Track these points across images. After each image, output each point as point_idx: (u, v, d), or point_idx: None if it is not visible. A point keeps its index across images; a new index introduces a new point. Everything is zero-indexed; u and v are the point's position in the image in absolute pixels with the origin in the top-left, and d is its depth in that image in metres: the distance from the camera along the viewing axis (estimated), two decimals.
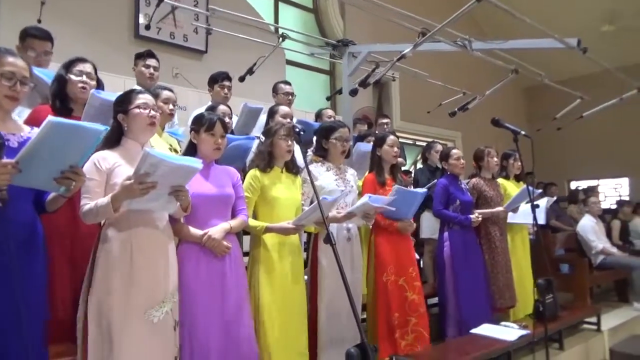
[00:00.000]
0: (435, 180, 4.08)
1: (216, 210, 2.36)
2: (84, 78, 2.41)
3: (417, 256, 4.08)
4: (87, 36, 4.63)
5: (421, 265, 4.61)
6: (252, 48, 4.52)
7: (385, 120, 4.92)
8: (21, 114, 2.37)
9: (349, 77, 4.04)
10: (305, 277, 2.91)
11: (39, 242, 1.83)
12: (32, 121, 2.15)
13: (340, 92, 4.53)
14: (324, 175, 2.99)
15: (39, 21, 3.51)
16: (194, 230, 2.27)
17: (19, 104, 1.81)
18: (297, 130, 2.30)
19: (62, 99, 2.40)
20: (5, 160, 1.55)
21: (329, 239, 1.90)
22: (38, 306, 1.80)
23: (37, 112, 2.34)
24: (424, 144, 4.90)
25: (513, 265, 3.89)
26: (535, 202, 3.10)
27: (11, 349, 1.68)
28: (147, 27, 4.15)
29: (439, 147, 4.65)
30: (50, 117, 1.58)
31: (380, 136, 3.40)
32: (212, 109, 3.22)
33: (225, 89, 3.79)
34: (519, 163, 4.13)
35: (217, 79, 3.81)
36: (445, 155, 3.82)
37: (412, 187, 4.00)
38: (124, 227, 1.98)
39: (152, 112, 2.10)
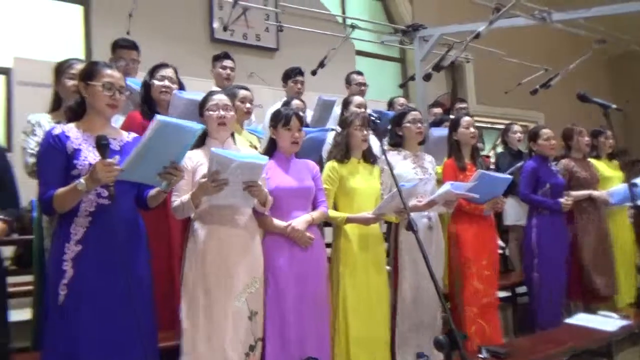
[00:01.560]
0: (519, 164, 3.88)
1: (297, 203, 2.43)
2: (166, 82, 2.58)
3: (502, 244, 3.93)
4: (168, 43, 4.90)
5: (506, 253, 4.43)
6: (322, 42, 4.55)
7: (462, 105, 4.75)
8: (117, 121, 2.58)
9: (421, 63, 3.95)
10: (388, 267, 2.91)
11: (142, 238, 1.99)
12: (127, 127, 2.34)
13: (412, 78, 4.44)
14: (401, 164, 2.96)
15: (128, 33, 3.78)
16: (278, 222, 2.36)
17: (118, 111, 1.98)
18: (373, 118, 2.29)
19: (149, 103, 2.57)
20: (109, 160, 1.69)
21: (410, 226, 1.89)
22: (145, 298, 1.95)
23: (131, 118, 2.53)
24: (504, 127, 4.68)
25: (616, 251, 3.62)
26: (634, 181, 2.87)
27: (129, 341, 1.84)
28: (225, 29, 4.31)
29: (517, 128, 4.42)
30: (158, 116, 1.72)
31: (454, 119, 3.30)
32: (286, 104, 3.30)
33: (299, 84, 3.87)
34: (611, 140, 3.83)
35: (290, 75, 3.89)
36: (533, 135, 3.58)
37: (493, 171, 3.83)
38: (208, 221, 2.14)
39: (222, 113, 2.21)
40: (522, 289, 3.76)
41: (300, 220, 2.37)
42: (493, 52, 5.04)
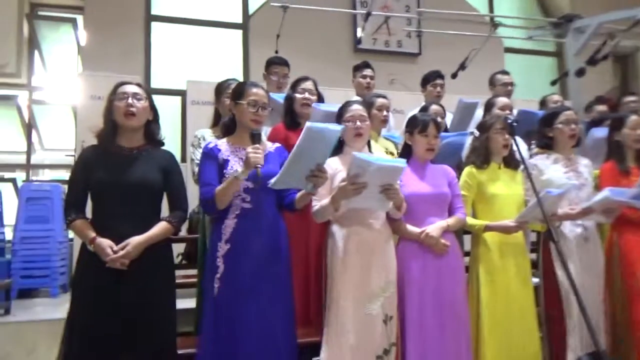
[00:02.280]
0: None
1: (433, 209, 2.40)
2: (306, 95, 2.76)
3: None
4: (313, 56, 5.23)
5: None
6: (468, 42, 4.38)
7: (631, 98, 4.12)
8: (265, 133, 2.84)
9: (576, 57, 3.54)
10: (535, 279, 2.69)
11: (282, 238, 2.15)
12: (272, 138, 2.57)
13: (567, 74, 4.01)
14: (551, 169, 2.70)
15: (276, 52, 4.13)
16: (412, 228, 2.35)
17: (261, 125, 2.18)
18: (509, 121, 2.16)
19: (291, 115, 2.77)
20: (256, 145, 1.94)
21: (550, 236, 1.74)
22: (286, 293, 2.12)
23: (275, 130, 2.77)
24: None
25: None
26: None
27: (275, 332, 2.02)
28: (358, 40, 4.39)
29: None
30: (308, 123, 1.88)
31: (618, 117, 2.90)
32: (424, 109, 3.27)
33: (438, 88, 3.79)
34: None
35: (429, 79, 3.84)
36: None
37: None
38: (345, 224, 2.22)
39: (358, 124, 2.30)
40: None
41: (435, 227, 2.34)
42: None
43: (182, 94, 5.11)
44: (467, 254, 2.77)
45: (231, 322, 1.98)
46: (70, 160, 5.04)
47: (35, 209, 4.15)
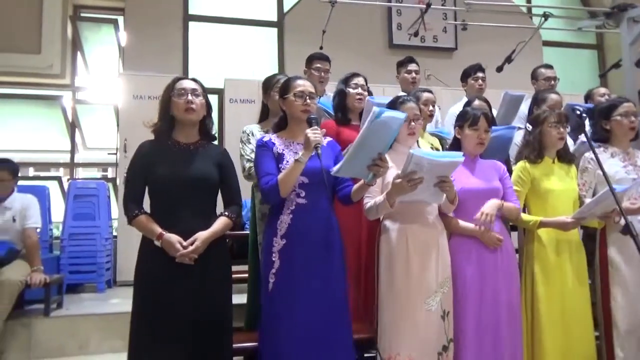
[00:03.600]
0: None
1: (484, 203, 2.34)
2: (359, 90, 2.75)
3: None
4: (350, 52, 5.22)
5: None
6: (504, 36, 4.31)
7: None
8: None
9: (631, 46, 3.42)
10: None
11: (336, 234, 2.14)
12: None
13: (617, 65, 3.89)
14: (609, 163, 2.61)
15: (321, 47, 4.13)
16: (464, 224, 2.32)
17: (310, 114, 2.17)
18: (579, 112, 2.11)
19: (343, 111, 2.76)
20: (314, 127, 1.97)
21: (628, 229, 1.69)
22: (341, 300, 2.10)
23: (326, 125, 2.75)
24: None
25: None
26: None
27: (328, 329, 2.03)
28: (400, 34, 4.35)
29: None
30: (374, 107, 1.86)
31: None
32: (468, 103, 3.21)
33: (480, 81, 3.72)
34: None
35: (470, 72, 3.76)
36: None
37: None
38: (399, 220, 2.20)
39: (412, 124, 2.27)
40: None
41: (490, 204, 2.29)
42: None
43: (219, 92, 5.16)
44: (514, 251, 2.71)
45: (286, 317, 1.98)
46: (113, 159, 5.15)
47: (82, 206, 4.25)
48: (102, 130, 5.79)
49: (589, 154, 2.67)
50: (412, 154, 1.93)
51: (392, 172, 2.15)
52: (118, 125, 4.88)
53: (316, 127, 1.99)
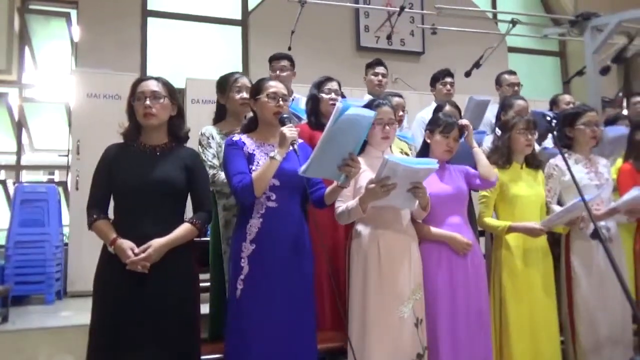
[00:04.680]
0: None
1: (453, 208, 2.36)
2: (333, 95, 2.67)
3: None
4: (318, 54, 5.15)
5: None
6: (470, 41, 4.33)
7: (639, 99, 4.13)
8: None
9: (594, 55, 3.50)
10: None
11: (306, 241, 2.08)
12: None
13: (580, 73, 3.97)
14: (573, 169, 2.64)
15: (289, 49, 4.02)
16: (436, 230, 2.29)
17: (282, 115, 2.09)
18: (549, 118, 2.11)
19: (316, 115, 2.68)
20: (288, 124, 1.96)
21: (597, 234, 1.68)
22: (309, 307, 2.05)
23: (299, 129, 2.66)
24: None
25: None
26: None
27: (291, 337, 1.96)
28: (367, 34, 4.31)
29: None
30: (339, 103, 1.82)
31: None
32: (439, 109, 3.17)
33: (448, 86, 3.72)
34: None
35: (439, 77, 3.76)
36: None
37: None
38: (371, 224, 2.16)
39: (387, 128, 2.24)
40: None
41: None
42: None
43: (180, 92, 4.96)
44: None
45: (255, 326, 1.93)
46: (63, 161, 4.86)
47: (30, 211, 3.96)
48: (51, 130, 5.46)
49: (553, 161, 2.72)
50: (387, 159, 1.90)
51: (366, 175, 2.11)
52: (70, 125, 4.61)
53: (291, 125, 1.97)
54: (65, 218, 4.41)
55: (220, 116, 2.64)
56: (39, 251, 3.90)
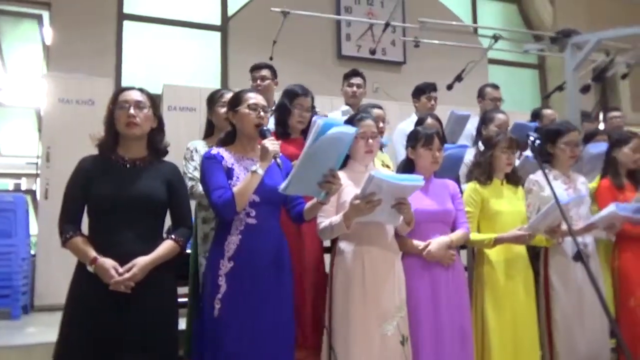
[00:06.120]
0: None
1: (438, 226, 2.34)
2: (303, 113, 2.58)
3: None
4: (299, 62, 5.10)
5: None
6: (452, 53, 4.34)
7: (615, 114, 4.18)
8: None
9: (574, 72, 3.54)
10: None
11: (286, 259, 2.04)
12: None
13: (560, 88, 4.01)
14: (552, 185, 2.67)
15: (271, 58, 3.96)
16: (417, 242, 2.27)
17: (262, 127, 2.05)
18: (533, 139, 2.10)
19: (283, 125, 2.60)
20: (269, 137, 1.95)
21: (579, 256, 1.67)
22: (289, 324, 2.01)
23: None
24: None
25: None
26: None
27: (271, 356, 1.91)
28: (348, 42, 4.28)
29: None
30: (318, 119, 1.79)
31: (621, 137, 2.95)
32: (421, 122, 3.15)
33: (432, 100, 3.69)
34: None
35: (425, 90, 3.69)
36: None
37: None
38: (355, 240, 2.12)
39: (370, 142, 2.20)
40: None
41: (438, 242, 2.26)
42: None
43: (157, 98, 4.83)
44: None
45: (235, 343, 1.87)
46: (32, 168, 4.68)
47: None
48: (19, 136, 5.27)
49: (533, 176, 2.72)
50: (372, 175, 1.87)
51: (349, 190, 2.07)
52: (40, 131, 4.44)
53: (272, 137, 1.94)
54: (33, 228, 4.24)
55: (209, 132, 2.69)
56: (4, 263, 3.74)
